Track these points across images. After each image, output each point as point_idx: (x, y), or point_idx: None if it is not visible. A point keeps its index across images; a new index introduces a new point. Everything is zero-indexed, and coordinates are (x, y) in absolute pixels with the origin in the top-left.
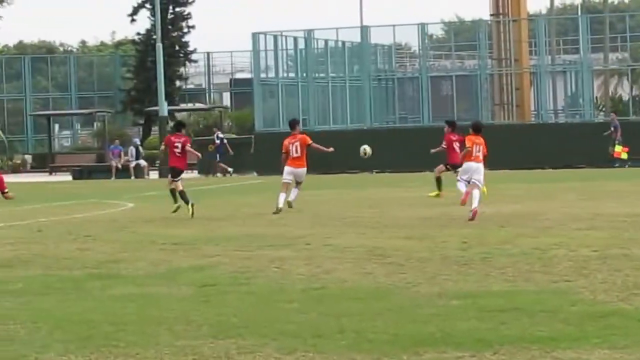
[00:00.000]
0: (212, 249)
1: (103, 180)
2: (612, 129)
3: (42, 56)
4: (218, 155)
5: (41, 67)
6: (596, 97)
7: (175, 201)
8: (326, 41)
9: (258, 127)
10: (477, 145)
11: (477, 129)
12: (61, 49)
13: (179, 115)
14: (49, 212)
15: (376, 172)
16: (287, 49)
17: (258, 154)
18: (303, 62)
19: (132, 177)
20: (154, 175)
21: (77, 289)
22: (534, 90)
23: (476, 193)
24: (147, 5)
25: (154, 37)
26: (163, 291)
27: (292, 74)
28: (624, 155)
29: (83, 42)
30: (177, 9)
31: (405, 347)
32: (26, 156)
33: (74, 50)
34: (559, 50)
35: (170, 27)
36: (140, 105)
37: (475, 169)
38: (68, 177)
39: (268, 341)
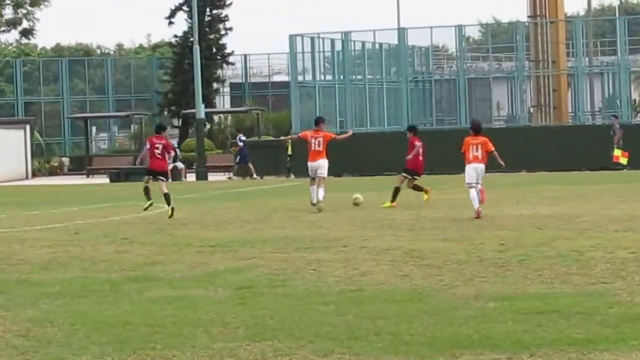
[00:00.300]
0: (248, 251)
1: (140, 183)
2: (612, 132)
3: (80, 59)
4: (239, 158)
5: (78, 69)
6: (634, 99)
7: (148, 199)
8: (363, 43)
9: (295, 129)
10: (474, 146)
11: (477, 129)
12: (98, 51)
13: (217, 118)
14: (86, 214)
15: None
16: (324, 51)
17: (294, 155)
18: (340, 64)
19: (169, 180)
20: (191, 177)
21: (114, 292)
22: (571, 92)
23: (473, 193)
24: (185, 8)
25: (191, 39)
26: (200, 293)
27: (329, 76)
28: (623, 160)
29: (120, 45)
30: (215, 11)
31: (441, 350)
32: (64, 159)
33: (111, 52)
34: (596, 52)
35: (207, 29)
36: (178, 107)
37: (479, 170)
38: (105, 180)
39: (304, 343)
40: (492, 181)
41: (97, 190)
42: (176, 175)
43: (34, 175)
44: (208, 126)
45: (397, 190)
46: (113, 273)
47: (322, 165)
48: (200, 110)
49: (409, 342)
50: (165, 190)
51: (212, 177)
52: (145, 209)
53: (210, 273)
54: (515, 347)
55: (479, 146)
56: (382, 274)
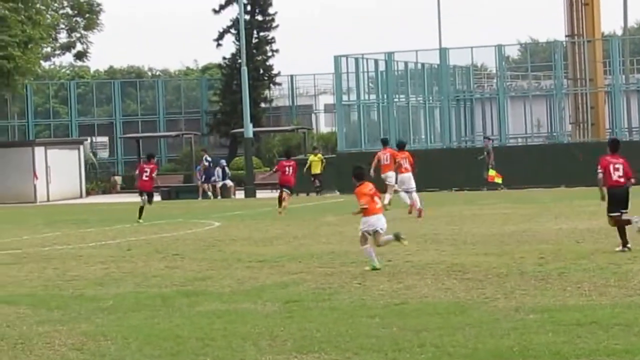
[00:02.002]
0: (295, 266)
1: (190, 200)
2: (486, 153)
3: (132, 80)
4: (204, 178)
5: (130, 91)
6: None
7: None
8: (406, 63)
9: (340, 148)
10: (404, 159)
11: (401, 146)
12: (149, 73)
13: (263, 137)
14: (138, 231)
15: (455, 190)
16: (368, 71)
17: (340, 173)
18: (384, 83)
19: (219, 197)
20: (240, 194)
21: (165, 306)
22: (608, 109)
23: (415, 196)
24: (232, 31)
25: (239, 61)
26: (249, 307)
27: (372, 96)
28: (498, 180)
29: (170, 67)
30: (262, 34)
31: None
32: (116, 177)
33: (162, 74)
34: (632, 70)
35: (254, 51)
36: (227, 127)
37: (408, 179)
38: (157, 198)
39: (350, 355)
40: (531, 196)
41: (148, 208)
42: (225, 192)
43: (88, 193)
44: (256, 145)
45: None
46: (165, 288)
47: (387, 176)
48: (248, 130)
49: (452, 354)
50: (145, 205)
51: (260, 194)
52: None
53: (258, 287)
54: (555, 358)
55: (406, 159)
56: (426, 288)
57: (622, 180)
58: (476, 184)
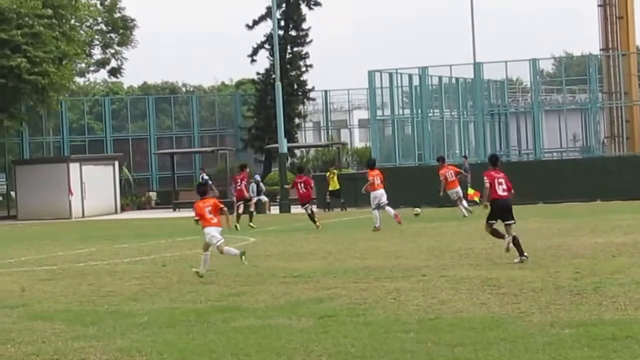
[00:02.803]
0: (330, 281)
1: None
2: (464, 172)
3: (166, 96)
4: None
5: (165, 107)
6: None
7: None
8: (440, 78)
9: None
10: (377, 177)
11: (372, 165)
12: (183, 89)
13: (299, 152)
14: (173, 247)
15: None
16: (402, 86)
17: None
18: (418, 98)
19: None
20: (274, 210)
21: (200, 322)
22: None
23: (389, 209)
24: (266, 46)
25: (273, 76)
26: (283, 322)
27: (407, 111)
28: (476, 198)
29: (204, 83)
30: (295, 49)
31: None
32: (151, 193)
33: (196, 90)
34: None
35: (288, 66)
36: (261, 142)
37: (380, 194)
38: (191, 213)
39: None
40: (567, 211)
41: (183, 224)
42: (260, 208)
43: (123, 209)
44: (290, 160)
45: None
46: (199, 304)
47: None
48: (283, 145)
49: None
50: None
51: (295, 209)
52: None
53: (293, 303)
54: None
55: (378, 177)
56: (461, 302)
57: (505, 193)
58: (515, 199)
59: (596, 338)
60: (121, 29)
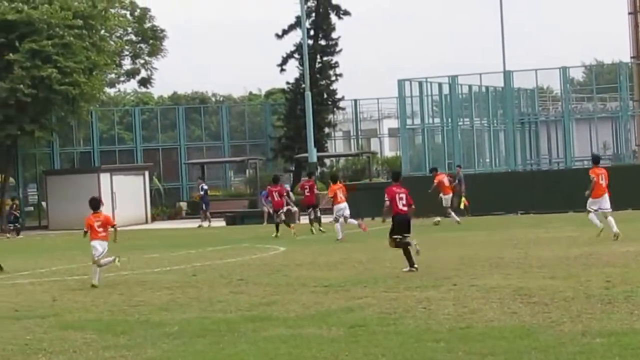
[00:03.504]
0: (360, 290)
1: (255, 225)
2: (457, 181)
3: (196, 106)
4: (204, 205)
5: (195, 117)
6: None
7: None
8: (470, 86)
9: (405, 172)
10: (340, 191)
11: (334, 179)
12: (213, 99)
13: (328, 161)
14: (203, 256)
15: (521, 214)
16: (432, 95)
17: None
18: (448, 107)
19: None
20: (304, 220)
21: (231, 331)
22: None
23: (352, 220)
24: (296, 55)
25: (303, 85)
26: (314, 332)
27: (437, 119)
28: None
29: (233, 93)
30: (325, 58)
31: None
32: (181, 203)
33: (225, 100)
34: None
35: (318, 75)
36: (291, 152)
37: (344, 207)
38: (222, 223)
39: None
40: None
41: (213, 233)
42: (290, 217)
43: (153, 219)
44: (320, 170)
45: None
46: (230, 313)
47: None
48: (313, 155)
49: None
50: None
51: (325, 219)
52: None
53: (323, 312)
54: None
55: (342, 190)
56: (491, 312)
57: (405, 208)
58: (542, 207)
59: (627, 347)
60: (151, 39)
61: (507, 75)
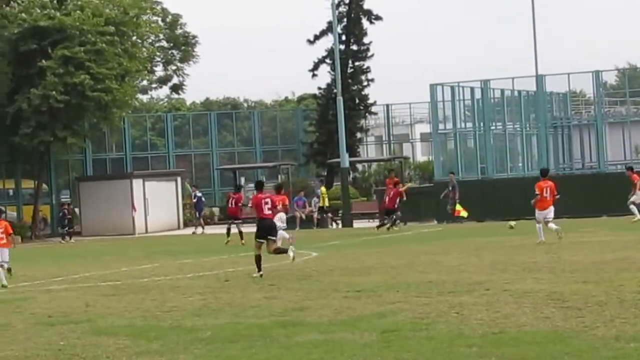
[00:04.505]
0: (393, 295)
1: (289, 231)
2: (450, 188)
3: (228, 112)
4: (197, 212)
5: (227, 122)
6: None
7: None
8: (502, 91)
9: (437, 176)
10: (281, 202)
11: (278, 189)
12: (245, 104)
13: (360, 167)
14: (235, 262)
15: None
16: (464, 99)
17: (438, 202)
18: (480, 111)
19: (315, 227)
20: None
21: (263, 337)
22: None
23: (284, 233)
24: (328, 61)
25: (335, 90)
26: (346, 337)
27: (469, 124)
28: (464, 214)
29: (265, 98)
30: (357, 63)
31: None
32: (214, 209)
33: (257, 105)
34: None
35: (350, 80)
36: (323, 157)
37: (284, 218)
38: (254, 229)
39: None
40: (631, 224)
41: (246, 239)
42: (322, 222)
43: (185, 225)
44: (353, 175)
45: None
46: (262, 318)
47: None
48: (345, 160)
49: None
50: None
51: (357, 224)
52: None
53: (356, 317)
54: None
55: (282, 201)
56: (524, 317)
57: (269, 212)
58: (575, 212)
59: None
60: (182, 46)
61: (540, 79)
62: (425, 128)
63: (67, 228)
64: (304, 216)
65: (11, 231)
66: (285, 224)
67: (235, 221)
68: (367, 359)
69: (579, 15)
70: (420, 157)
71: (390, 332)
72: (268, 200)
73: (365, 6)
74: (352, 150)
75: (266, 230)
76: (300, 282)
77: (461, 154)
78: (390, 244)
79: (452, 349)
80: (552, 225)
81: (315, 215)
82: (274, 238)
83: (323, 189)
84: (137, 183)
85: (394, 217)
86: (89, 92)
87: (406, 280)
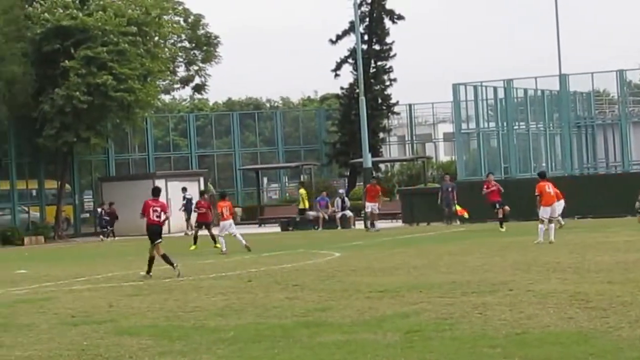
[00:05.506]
0: (416, 296)
1: (310, 231)
2: (450, 189)
3: (250, 112)
4: (186, 214)
5: (249, 122)
6: None
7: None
8: (525, 90)
9: (460, 176)
10: (226, 208)
11: (222, 196)
12: (267, 105)
13: (383, 166)
14: (258, 262)
15: (578, 218)
16: (487, 99)
17: (461, 202)
18: (503, 111)
19: (339, 227)
20: (359, 225)
21: (286, 337)
22: None
23: (240, 237)
24: (350, 61)
25: (357, 90)
26: (369, 338)
27: (492, 123)
28: (465, 215)
29: (287, 98)
30: (379, 63)
31: None
32: (236, 209)
33: (279, 105)
34: None
35: (372, 80)
36: (345, 157)
37: (229, 224)
38: (277, 229)
39: None
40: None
41: (268, 239)
42: (345, 223)
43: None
44: (375, 175)
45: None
46: (285, 319)
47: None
48: (367, 160)
49: None
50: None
51: (380, 224)
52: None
53: (379, 318)
54: None
55: (158, 208)
56: (548, 317)
57: (157, 219)
58: (600, 211)
59: None
60: (205, 46)
61: (563, 78)
62: (448, 128)
63: (107, 227)
64: (326, 216)
65: None
66: (234, 229)
67: (205, 226)
68: (391, 359)
69: (602, 14)
70: (443, 157)
71: (413, 333)
72: (157, 207)
73: (388, 6)
74: (375, 150)
75: (154, 234)
76: (323, 282)
77: (484, 153)
78: (412, 244)
79: (476, 349)
80: (551, 227)
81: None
82: (159, 241)
83: (302, 190)
84: (159, 183)
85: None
86: (111, 93)
87: (429, 280)
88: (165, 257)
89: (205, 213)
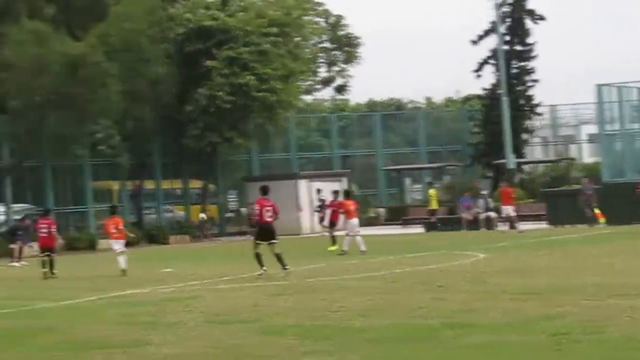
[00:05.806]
0: (561, 298)
1: (454, 232)
2: (590, 192)
3: (392, 113)
4: (320, 215)
5: (391, 123)
6: None
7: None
8: None
9: (605, 178)
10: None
11: (347, 195)
12: (409, 105)
13: (527, 168)
14: (402, 263)
15: None
16: (631, 100)
17: (606, 204)
18: None
19: (482, 229)
20: (501, 227)
21: (431, 338)
22: None
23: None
24: (491, 61)
25: (499, 91)
26: (515, 339)
27: (636, 125)
28: (602, 220)
29: (429, 98)
30: (521, 64)
31: None
32: (379, 209)
33: (422, 106)
34: None
35: (514, 81)
36: (489, 158)
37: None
38: (420, 230)
39: None
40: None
41: (412, 240)
42: (488, 224)
43: None
44: (519, 176)
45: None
46: (430, 320)
47: None
48: (511, 161)
49: None
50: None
51: (524, 226)
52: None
53: (524, 319)
54: None
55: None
56: None
57: (269, 219)
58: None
59: None
60: (346, 47)
61: None
62: (592, 129)
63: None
64: (470, 217)
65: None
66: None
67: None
68: None
69: None
70: (587, 159)
71: (560, 335)
72: (269, 207)
73: (528, 6)
74: (518, 151)
75: (268, 233)
76: (468, 283)
77: (628, 155)
78: (557, 246)
79: (626, 353)
80: None
81: (482, 216)
82: (274, 242)
83: (432, 191)
84: (303, 183)
85: None
86: (254, 93)
87: (574, 282)
88: (278, 257)
89: (336, 212)
